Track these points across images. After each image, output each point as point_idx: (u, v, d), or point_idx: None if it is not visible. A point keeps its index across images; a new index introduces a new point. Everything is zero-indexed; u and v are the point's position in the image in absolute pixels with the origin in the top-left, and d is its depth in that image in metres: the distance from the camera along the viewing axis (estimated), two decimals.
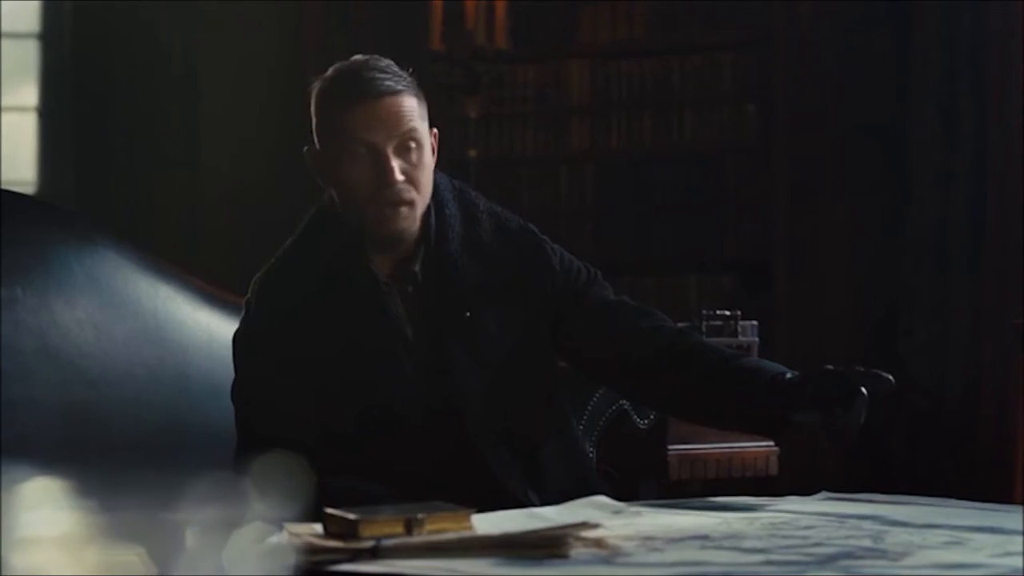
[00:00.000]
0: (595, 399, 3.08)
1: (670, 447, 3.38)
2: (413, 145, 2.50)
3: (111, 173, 5.95)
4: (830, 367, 2.40)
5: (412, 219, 2.52)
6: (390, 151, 2.48)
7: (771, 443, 3.33)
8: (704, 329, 3.49)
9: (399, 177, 2.48)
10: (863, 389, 2.32)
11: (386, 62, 2.54)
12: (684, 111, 5.34)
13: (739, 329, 3.51)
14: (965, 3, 4.92)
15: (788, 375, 2.45)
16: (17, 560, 0.85)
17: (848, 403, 2.33)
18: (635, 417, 3.22)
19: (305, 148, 2.57)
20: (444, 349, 2.53)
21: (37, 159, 6.08)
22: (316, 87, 2.56)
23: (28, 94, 6.09)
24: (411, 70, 2.56)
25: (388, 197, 2.49)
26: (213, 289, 3.14)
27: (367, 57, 2.56)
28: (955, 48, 4.93)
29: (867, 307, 5.09)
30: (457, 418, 2.51)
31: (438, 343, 2.54)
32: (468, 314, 2.54)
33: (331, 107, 2.52)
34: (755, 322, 3.56)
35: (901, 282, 5.00)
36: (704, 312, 3.53)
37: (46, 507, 0.88)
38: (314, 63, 5.74)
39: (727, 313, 3.52)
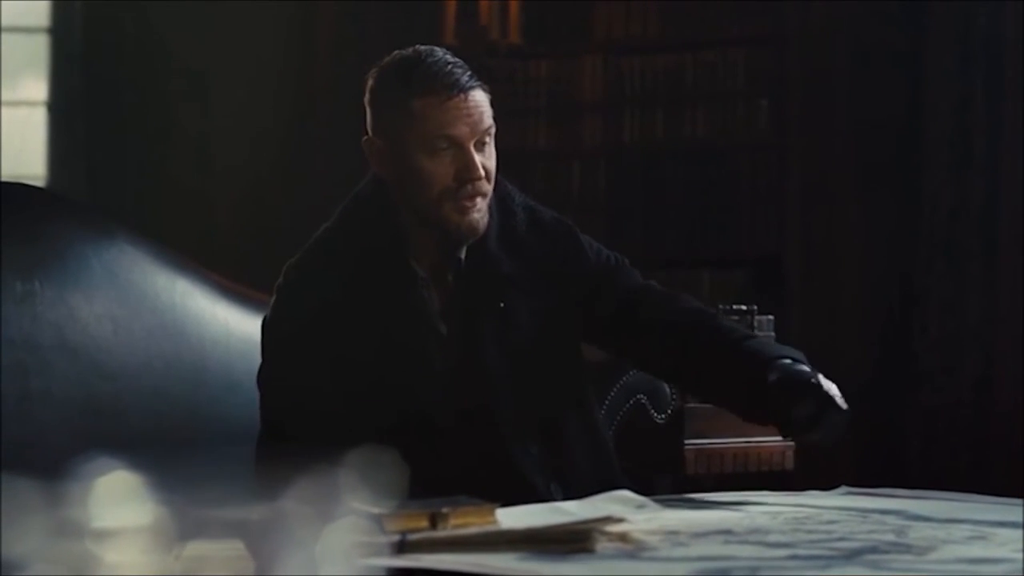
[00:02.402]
0: (612, 393, 3.09)
1: (686, 442, 3.38)
2: (488, 139, 2.50)
3: (121, 168, 5.94)
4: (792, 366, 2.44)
5: (485, 213, 2.51)
6: (472, 146, 2.47)
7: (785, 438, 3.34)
8: None
9: (482, 172, 2.47)
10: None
11: (450, 54, 2.51)
12: (697, 106, 5.33)
13: (755, 324, 3.50)
14: None
15: (776, 369, 2.45)
16: (112, 556, 0.84)
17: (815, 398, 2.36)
18: (652, 411, 3.21)
19: (364, 139, 2.53)
20: (477, 343, 2.52)
21: (46, 154, 6.08)
22: (378, 77, 2.52)
23: (38, 88, 6.07)
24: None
25: (470, 191, 2.47)
26: (230, 283, 3.14)
27: (428, 48, 2.52)
28: (969, 43, 4.92)
29: (880, 302, 5.08)
30: (487, 415, 2.51)
31: (472, 337, 2.53)
32: (502, 304, 2.54)
33: (404, 99, 2.47)
34: (771, 317, 3.56)
35: (914, 277, 4.99)
36: (720, 307, 3.53)
37: (133, 500, 0.87)
38: (327, 57, 5.81)
39: (743, 308, 3.52)
